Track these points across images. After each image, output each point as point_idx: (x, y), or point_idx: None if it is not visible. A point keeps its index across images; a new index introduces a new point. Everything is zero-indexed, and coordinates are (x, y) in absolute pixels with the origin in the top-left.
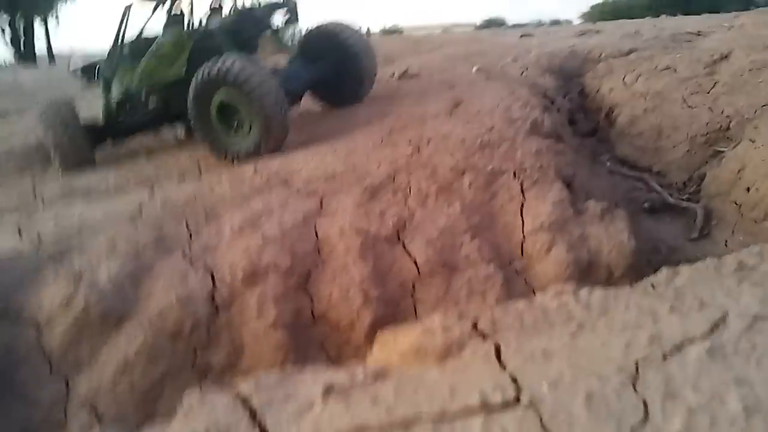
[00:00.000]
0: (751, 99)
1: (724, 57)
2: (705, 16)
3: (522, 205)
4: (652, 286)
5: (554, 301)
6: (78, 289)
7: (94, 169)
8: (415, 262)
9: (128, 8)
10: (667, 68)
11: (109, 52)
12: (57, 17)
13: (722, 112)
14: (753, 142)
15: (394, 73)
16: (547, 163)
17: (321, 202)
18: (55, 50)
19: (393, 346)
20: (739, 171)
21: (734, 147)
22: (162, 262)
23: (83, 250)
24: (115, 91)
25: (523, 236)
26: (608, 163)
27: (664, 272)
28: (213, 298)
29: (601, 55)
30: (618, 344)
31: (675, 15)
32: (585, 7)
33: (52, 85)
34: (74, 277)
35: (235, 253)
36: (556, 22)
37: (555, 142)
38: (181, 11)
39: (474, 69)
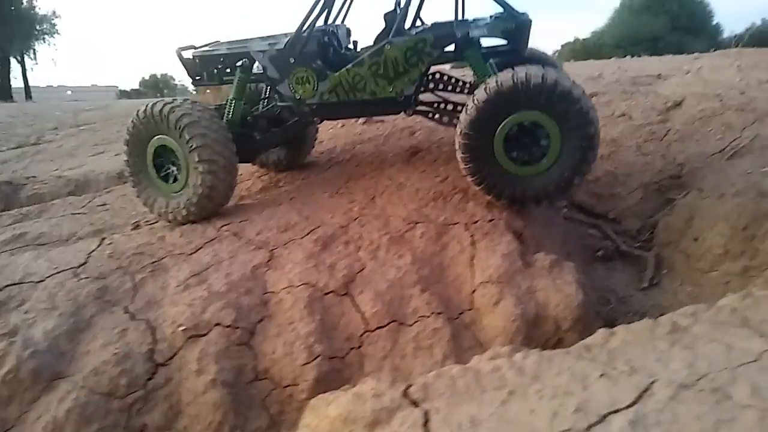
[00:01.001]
0: (701, 147)
1: (677, 104)
2: (667, 57)
3: (472, 257)
4: (587, 348)
5: (489, 365)
6: (11, 346)
7: (50, 213)
8: (363, 316)
9: None
10: (623, 115)
11: (285, 43)
12: (34, 55)
13: (674, 159)
14: (701, 191)
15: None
16: (498, 215)
17: (271, 254)
18: (32, 87)
19: (324, 412)
20: (688, 220)
21: (684, 196)
22: (102, 317)
23: (22, 304)
24: (277, 95)
25: (473, 289)
26: (565, 210)
27: (600, 333)
28: (152, 355)
29: None
30: (545, 413)
31: (640, 56)
32: (557, 46)
33: (28, 121)
34: (9, 332)
35: (179, 307)
36: None
37: None
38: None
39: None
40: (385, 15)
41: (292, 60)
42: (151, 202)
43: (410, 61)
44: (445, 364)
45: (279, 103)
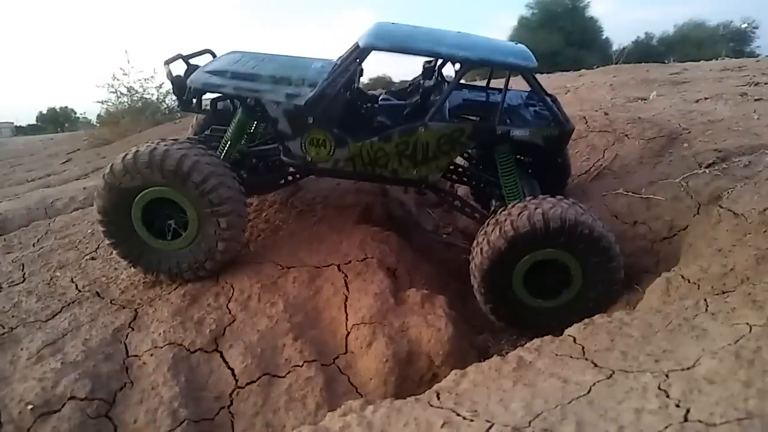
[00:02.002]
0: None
1: None
2: (556, 75)
3: (346, 299)
4: (437, 394)
5: (338, 423)
6: None
7: None
8: (233, 372)
9: (365, 49)
10: None
11: (306, 99)
12: None
13: None
14: None
15: None
16: (371, 253)
17: (136, 313)
18: None
19: None
20: None
21: None
22: None
23: None
24: (282, 149)
25: (347, 332)
26: (445, 236)
27: (452, 376)
28: None
29: None
30: None
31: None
32: None
33: None
34: None
35: (29, 383)
36: None
37: (384, 228)
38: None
39: None
40: (425, 64)
41: (310, 120)
42: (155, 265)
43: (442, 148)
44: (318, 414)
45: (284, 158)
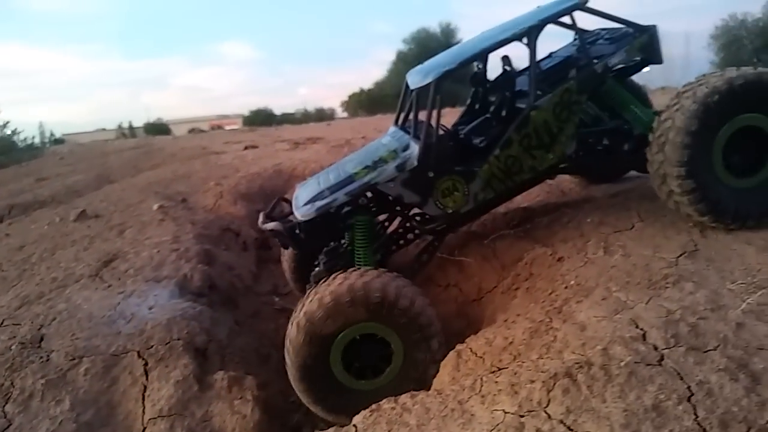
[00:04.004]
0: None
1: None
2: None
3: (144, 390)
4: None
5: None
6: None
7: None
8: None
9: (439, 81)
10: None
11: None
12: None
13: None
14: None
15: (81, 212)
16: (178, 334)
17: None
18: None
19: None
20: None
21: None
22: None
23: None
24: (420, 219)
25: (143, 427)
26: (278, 299)
27: None
28: None
29: (304, 171)
30: None
31: None
32: (344, 96)
33: None
34: None
35: None
36: (320, 111)
37: (203, 299)
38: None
39: (155, 207)
40: (503, 58)
41: (431, 174)
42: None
43: (561, 117)
44: None
45: (426, 227)
